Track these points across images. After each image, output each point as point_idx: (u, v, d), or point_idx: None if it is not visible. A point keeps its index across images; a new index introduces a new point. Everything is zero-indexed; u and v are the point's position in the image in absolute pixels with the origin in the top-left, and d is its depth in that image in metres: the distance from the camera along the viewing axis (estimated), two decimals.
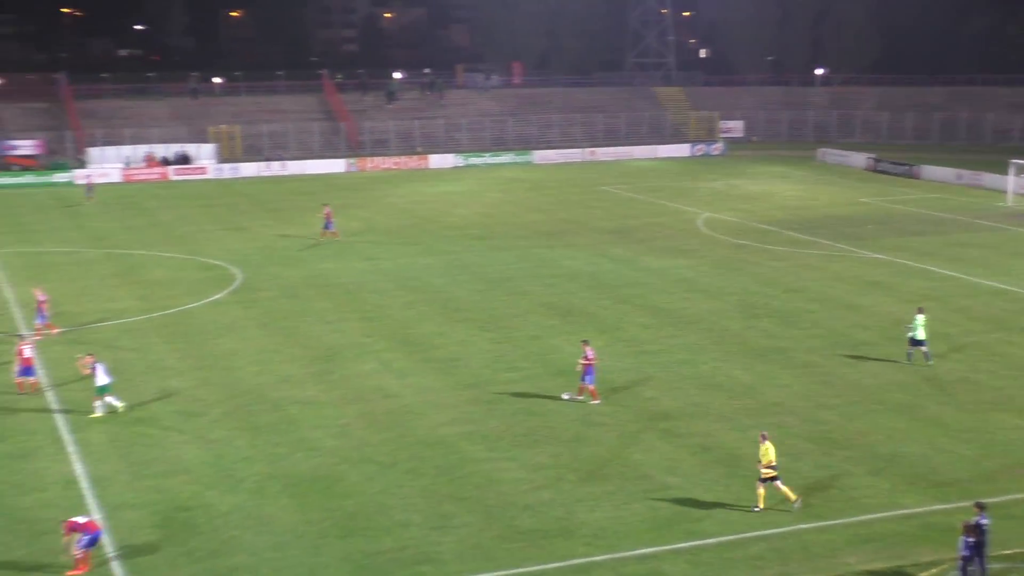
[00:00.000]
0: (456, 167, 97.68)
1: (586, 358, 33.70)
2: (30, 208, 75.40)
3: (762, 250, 57.47)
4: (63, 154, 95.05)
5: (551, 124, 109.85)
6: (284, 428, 31.87)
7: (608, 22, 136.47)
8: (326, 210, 63.02)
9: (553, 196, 79.09)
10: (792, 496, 26.50)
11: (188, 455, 29.80)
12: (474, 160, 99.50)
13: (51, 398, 34.29)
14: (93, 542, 23.27)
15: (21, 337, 36.33)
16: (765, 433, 27.08)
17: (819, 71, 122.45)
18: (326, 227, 61.74)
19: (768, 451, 26.39)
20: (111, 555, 24.05)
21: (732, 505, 26.60)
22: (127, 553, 24.13)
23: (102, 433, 31.34)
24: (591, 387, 33.78)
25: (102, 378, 32.62)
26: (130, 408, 33.10)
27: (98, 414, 32.48)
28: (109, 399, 32.82)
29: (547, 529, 25.44)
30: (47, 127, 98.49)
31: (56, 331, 41.55)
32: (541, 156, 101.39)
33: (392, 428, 31.88)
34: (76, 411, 33.02)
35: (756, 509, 26.34)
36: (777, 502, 26.45)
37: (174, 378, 36.53)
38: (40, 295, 42.13)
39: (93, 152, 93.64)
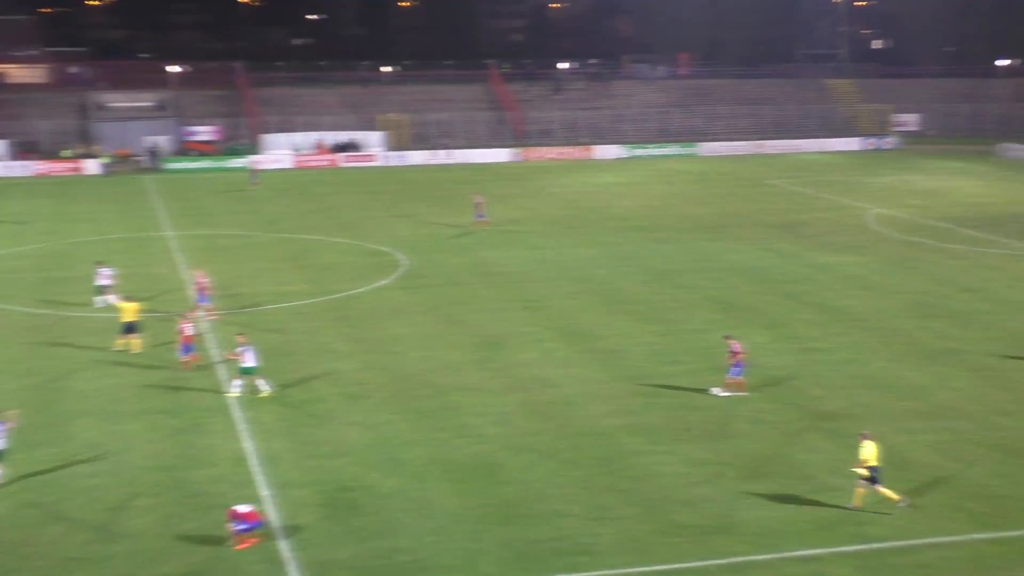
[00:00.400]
0: (620, 158, 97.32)
1: (733, 352, 33.26)
2: (207, 192, 78.05)
3: (937, 248, 55.67)
4: (239, 140, 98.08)
5: (717, 116, 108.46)
6: (446, 414, 32.23)
7: (778, 12, 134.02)
8: (477, 199, 63.59)
9: (718, 189, 78.12)
10: (894, 497, 25.73)
11: (352, 437, 30.39)
12: (639, 151, 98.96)
13: (224, 376, 35.39)
14: (253, 529, 23.92)
15: (183, 316, 37.58)
16: (866, 432, 26.40)
17: (1002, 62, 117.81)
18: (478, 216, 62.34)
19: (867, 450, 25.75)
20: (276, 531, 24.71)
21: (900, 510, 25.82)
22: (292, 530, 24.74)
23: (271, 412, 32.21)
24: (738, 379, 33.38)
25: (250, 360, 33.45)
26: (278, 391, 33.80)
27: (235, 393, 33.32)
28: (258, 382, 33.59)
29: (706, 525, 25.13)
30: (224, 114, 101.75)
31: (213, 313, 42.86)
32: (707, 148, 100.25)
33: (552, 418, 31.94)
34: (246, 388, 33.99)
35: (850, 507, 25.75)
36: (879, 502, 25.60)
37: (340, 361, 37.31)
38: (201, 277, 43.51)
39: (267, 138, 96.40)
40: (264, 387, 33.53)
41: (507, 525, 25.13)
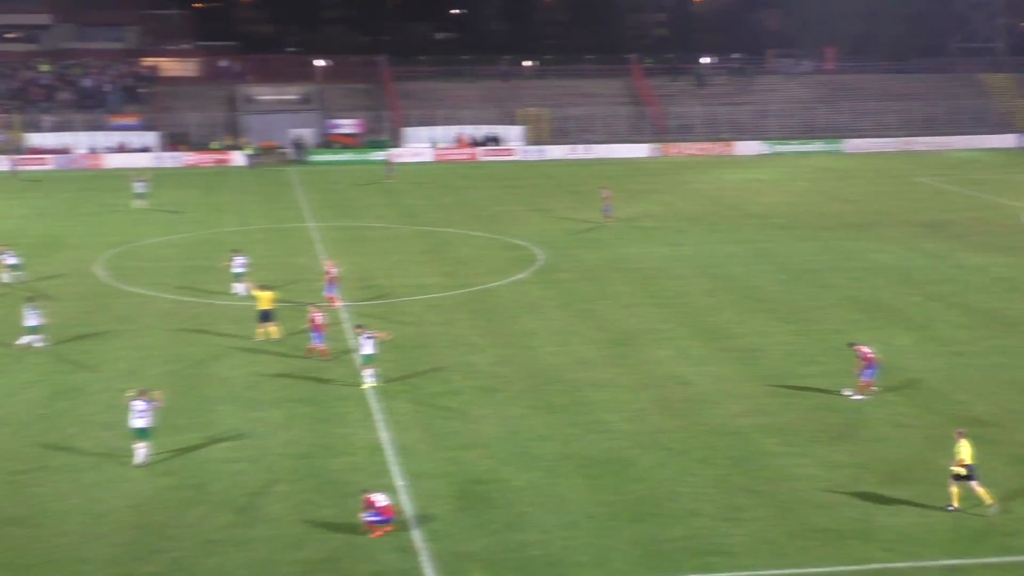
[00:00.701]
0: (762, 154, 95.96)
1: (864, 356, 32.63)
2: (348, 184, 79.44)
3: None
4: (380, 133, 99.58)
5: (864, 112, 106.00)
6: (579, 409, 32.27)
7: (931, 4, 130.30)
8: (605, 193, 63.44)
9: (863, 186, 76.45)
10: (988, 499, 24.97)
11: (486, 430, 30.64)
12: (781, 148, 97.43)
13: (359, 367, 35.99)
14: (382, 522, 24.29)
15: (313, 305, 38.30)
16: (962, 430, 25.76)
17: None
18: (605, 210, 62.24)
19: (963, 449, 25.12)
20: (409, 521, 25.07)
21: None
22: (425, 520, 25.08)
23: (406, 404, 32.68)
24: (869, 382, 32.79)
25: (367, 349, 33.90)
26: (385, 382, 34.20)
27: (367, 384, 33.81)
28: (371, 370, 34.07)
29: (843, 530, 24.67)
30: (367, 107, 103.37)
31: (339, 303, 43.52)
32: (852, 145, 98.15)
33: (686, 415, 31.73)
34: (380, 377, 34.55)
35: (950, 508, 25.16)
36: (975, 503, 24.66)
37: (475, 354, 37.64)
38: (331, 268, 44.25)
39: (408, 132, 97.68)
40: (367, 379, 33.93)
41: (638, 522, 25.07)
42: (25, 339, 38.39)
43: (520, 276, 49.44)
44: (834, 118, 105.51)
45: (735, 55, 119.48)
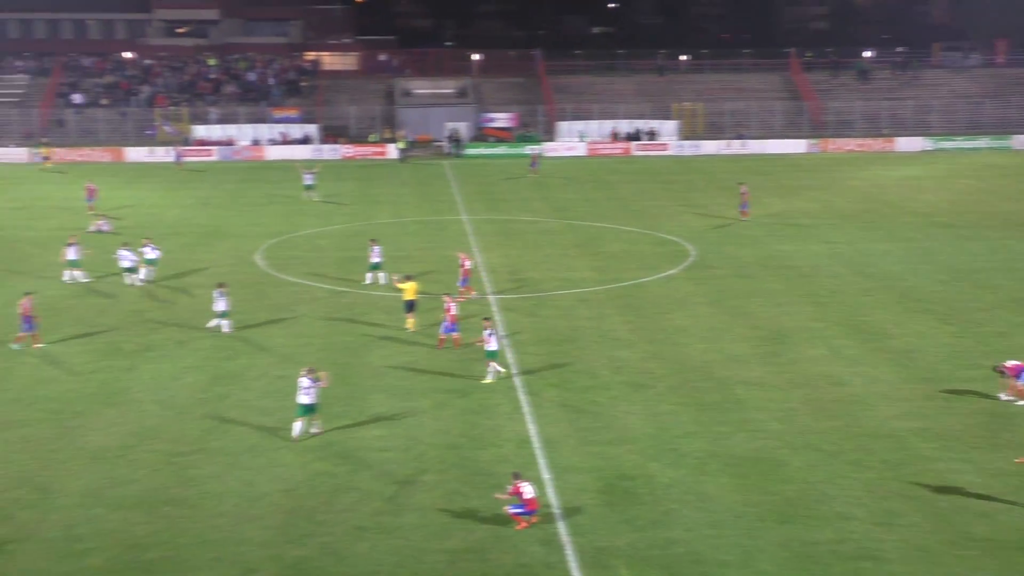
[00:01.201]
0: (925, 151, 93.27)
1: (1005, 369, 31.76)
2: (501, 178, 79.94)
3: None
4: (534, 127, 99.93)
5: None
6: (729, 407, 31.86)
7: None
8: (742, 189, 62.40)
9: None
10: None
11: (634, 425, 30.49)
12: (945, 144, 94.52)
13: (510, 359, 36.21)
14: (526, 514, 24.34)
15: (448, 296, 38.58)
16: None
17: None
18: (742, 207, 61.29)
19: None
20: (555, 515, 25.10)
21: None
22: (570, 514, 25.08)
23: (554, 397, 32.72)
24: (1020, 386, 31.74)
25: (492, 344, 33.92)
26: (510, 375, 34.25)
27: (488, 380, 33.87)
28: (494, 365, 34.11)
29: (1006, 540, 23.78)
30: (521, 101, 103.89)
31: (473, 295, 43.80)
32: (1021, 141, 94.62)
33: (838, 417, 31.03)
34: (531, 372, 34.69)
35: None
36: None
37: (624, 349, 37.48)
38: (465, 260, 44.53)
39: (561, 126, 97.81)
40: (490, 375, 33.96)
41: (787, 524, 24.62)
42: (213, 322, 39.80)
43: (671, 272, 49.05)
44: (1003, 113, 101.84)
45: (899, 49, 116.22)
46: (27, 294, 38.96)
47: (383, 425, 30.56)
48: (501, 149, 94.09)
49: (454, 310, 37.41)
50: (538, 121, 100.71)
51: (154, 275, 47.76)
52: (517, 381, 34.08)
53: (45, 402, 32.51)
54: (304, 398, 29.51)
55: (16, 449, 28.93)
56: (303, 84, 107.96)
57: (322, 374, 30.23)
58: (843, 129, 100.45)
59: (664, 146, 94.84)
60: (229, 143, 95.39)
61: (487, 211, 65.76)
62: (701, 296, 44.64)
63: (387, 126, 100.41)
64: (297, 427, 29.47)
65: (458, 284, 43.98)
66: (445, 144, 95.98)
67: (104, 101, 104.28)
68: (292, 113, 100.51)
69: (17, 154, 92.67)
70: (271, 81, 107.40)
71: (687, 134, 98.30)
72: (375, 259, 46.37)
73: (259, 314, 41.96)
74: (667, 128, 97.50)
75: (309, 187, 70.31)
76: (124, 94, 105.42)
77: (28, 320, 37.81)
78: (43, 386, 33.93)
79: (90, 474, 27.34)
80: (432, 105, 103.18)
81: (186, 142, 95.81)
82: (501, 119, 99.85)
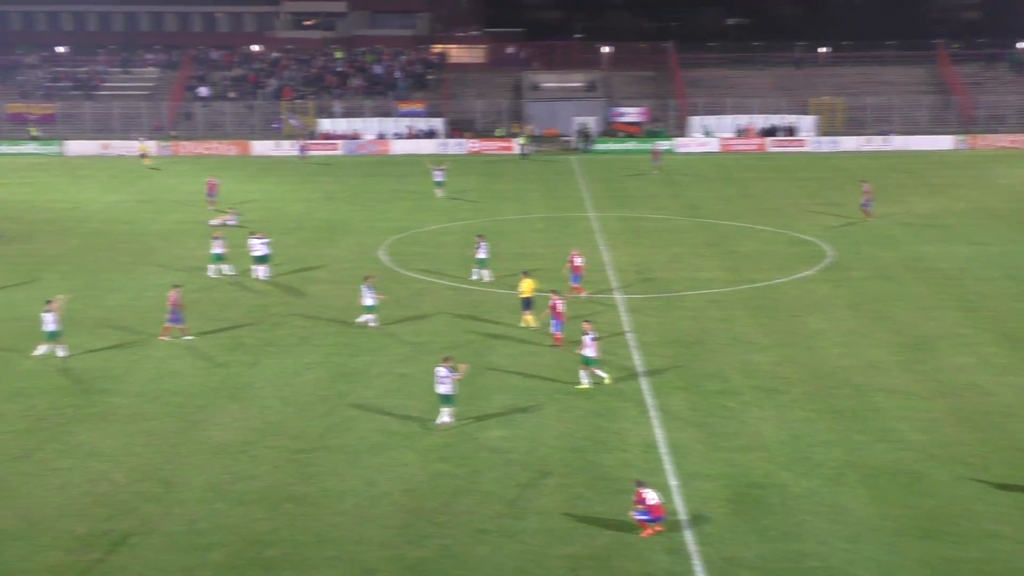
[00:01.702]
0: None
1: None
2: (630, 174, 79.59)
3: None
4: (665, 122, 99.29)
5: None
6: (867, 415, 31.20)
7: None
8: (865, 187, 60.99)
9: None
10: None
11: (765, 432, 30.06)
12: None
13: (636, 361, 36.03)
14: (651, 521, 24.14)
15: (556, 293, 38.47)
16: None
17: None
18: (864, 206, 59.96)
19: None
20: (682, 523, 24.88)
21: None
22: (697, 522, 24.82)
23: (682, 401, 32.44)
24: None
25: (590, 350, 33.50)
26: (615, 381, 33.89)
27: (584, 384, 33.48)
28: (597, 372, 33.72)
29: None
30: (652, 95, 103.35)
31: (584, 295, 43.67)
32: None
33: (986, 429, 30.14)
34: (658, 374, 34.45)
35: None
36: None
37: (756, 353, 36.99)
38: (576, 257, 44.33)
39: (693, 121, 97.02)
40: (585, 380, 33.61)
41: (928, 540, 24.00)
42: (362, 318, 40.47)
43: (807, 273, 48.26)
44: None
45: None
46: (175, 286, 40.01)
47: (506, 426, 30.66)
48: (630, 144, 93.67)
49: (560, 307, 37.44)
50: (669, 116, 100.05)
51: (271, 271, 48.35)
52: (643, 384, 33.87)
53: (170, 396, 33.38)
54: (440, 388, 30.40)
55: (141, 442, 29.76)
56: (429, 77, 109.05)
57: (460, 366, 30.83)
58: (994, 124, 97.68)
59: (801, 142, 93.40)
60: (354, 137, 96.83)
61: (615, 208, 65.55)
62: (838, 299, 43.83)
63: (514, 120, 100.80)
64: (444, 415, 30.57)
65: (569, 282, 44.02)
66: (572, 139, 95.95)
67: (231, 94, 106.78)
68: (418, 107, 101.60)
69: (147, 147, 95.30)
70: (397, 74, 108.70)
71: (825, 130, 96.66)
72: (481, 255, 46.64)
73: (382, 311, 42.42)
74: (804, 124, 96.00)
75: (439, 184, 70.65)
76: (251, 87, 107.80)
77: (176, 312, 38.89)
78: (168, 380, 34.85)
79: (212, 469, 27.99)
80: (560, 99, 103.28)
81: (311, 136, 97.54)
82: (631, 114, 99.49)
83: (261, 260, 48.11)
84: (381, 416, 31.47)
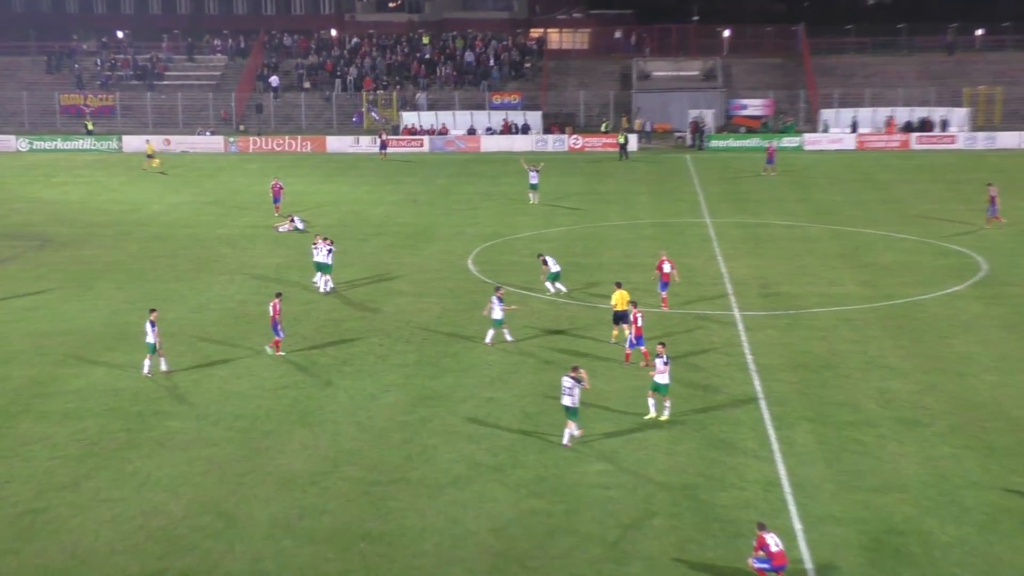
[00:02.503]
0: None
1: None
2: (752, 175, 79.05)
3: None
4: (793, 116, 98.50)
5: None
6: None
7: None
8: (992, 191, 59.83)
9: None
10: None
11: (906, 471, 29.60)
12: None
13: (757, 386, 35.70)
14: (772, 570, 23.83)
15: (634, 304, 38.44)
16: None
17: None
18: (990, 212, 58.96)
19: None
20: (807, 572, 24.57)
21: None
22: (826, 572, 24.50)
23: (808, 433, 32.08)
24: None
25: (662, 376, 33.05)
26: (783, 406, 33.66)
27: (653, 415, 33.18)
28: (665, 402, 33.37)
29: None
30: (779, 85, 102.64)
31: (666, 308, 43.89)
32: None
33: None
34: (782, 403, 34.10)
35: None
36: None
37: (895, 379, 36.48)
38: (665, 264, 44.30)
39: (825, 114, 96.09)
40: (653, 411, 33.31)
41: None
42: (489, 336, 40.44)
43: (956, 288, 47.54)
44: None
45: None
46: (277, 295, 40.61)
47: (606, 459, 30.55)
48: (753, 141, 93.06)
49: (640, 321, 37.43)
50: (798, 108, 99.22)
51: (331, 283, 48.60)
52: (764, 413, 33.57)
53: (233, 420, 33.84)
54: (566, 399, 30.89)
55: (201, 471, 30.18)
56: (526, 65, 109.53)
57: (583, 373, 31.27)
58: None
59: (951, 138, 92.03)
60: (442, 132, 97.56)
61: (734, 213, 65.17)
62: (993, 318, 43.11)
63: (623, 113, 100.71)
64: (568, 432, 31.09)
65: (658, 290, 44.09)
66: (686, 135, 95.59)
67: (306, 84, 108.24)
68: (513, 98, 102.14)
69: (213, 143, 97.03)
70: (491, 62, 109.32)
71: (980, 124, 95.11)
72: (553, 268, 46.89)
73: (469, 327, 42.59)
74: (955, 117, 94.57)
75: (533, 187, 69.65)
76: (328, 76, 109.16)
77: (276, 323, 39.61)
78: (231, 402, 35.33)
79: (279, 502, 28.29)
80: (674, 89, 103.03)
81: (394, 130, 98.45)
82: (754, 106, 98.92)
83: (322, 268, 48.30)
84: (467, 445, 31.55)
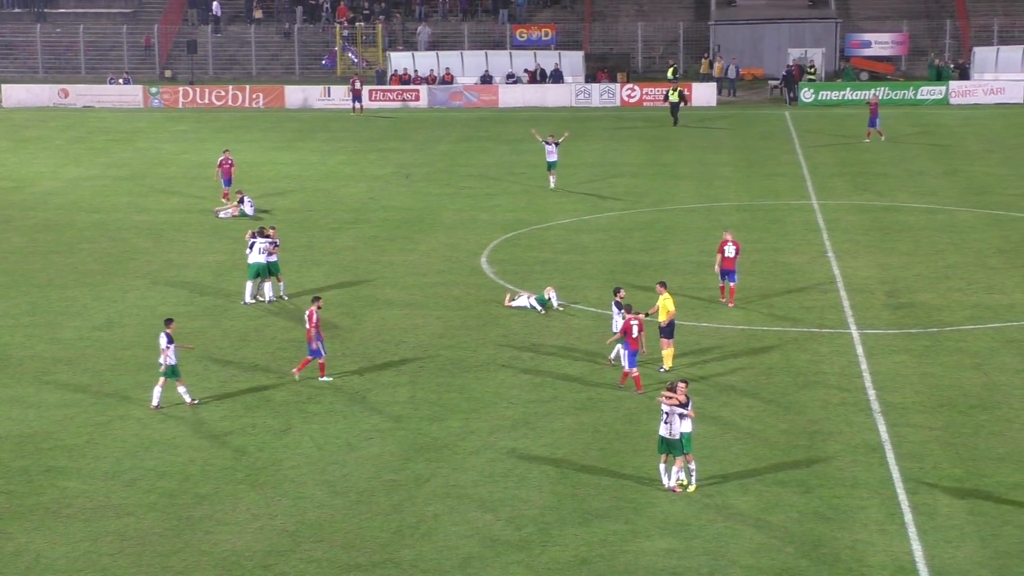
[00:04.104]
0: None
1: None
2: (875, 139, 78.73)
3: None
4: (938, 57, 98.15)
5: None
6: None
7: None
8: None
9: None
10: None
11: None
12: None
13: (882, 432, 35.64)
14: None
15: (630, 310, 38.85)
16: None
17: None
18: None
19: None
20: None
21: None
22: None
23: (956, 499, 31.93)
24: None
25: (687, 425, 32.52)
26: (920, 462, 33.70)
27: (681, 481, 32.80)
28: (687, 469, 33.03)
29: None
30: (915, 14, 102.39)
31: (731, 305, 45.19)
32: None
33: None
34: (914, 453, 34.02)
35: None
36: None
37: None
38: (728, 246, 44.96)
39: (979, 54, 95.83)
40: (665, 481, 33.05)
41: None
42: (615, 352, 40.64)
43: None
44: None
45: None
46: (315, 300, 40.85)
47: (672, 532, 30.55)
48: (880, 91, 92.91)
49: (635, 332, 37.97)
50: (942, 46, 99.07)
51: (282, 288, 48.91)
52: (893, 470, 33.52)
53: (155, 479, 33.83)
54: (664, 429, 31.94)
55: (109, 551, 30.15)
56: None
57: (682, 394, 31.94)
58: None
59: None
60: (445, 80, 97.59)
61: (852, 192, 65.16)
62: None
63: (703, 54, 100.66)
64: (674, 472, 32.01)
65: (724, 280, 45.54)
66: (782, 83, 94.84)
67: (257, 13, 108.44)
68: (545, 33, 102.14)
69: (128, 94, 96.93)
70: None
71: None
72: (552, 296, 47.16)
73: (482, 350, 42.64)
74: None
75: (551, 166, 67.98)
76: (288, 2, 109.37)
77: (318, 337, 39.99)
78: (152, 454, 35.31)
79: None
80: (768, 20, 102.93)
81: (378, 77, 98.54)
82: (880, 43, 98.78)
83: (261, 272, 48.09)
84: (480, 515, 31.56)
